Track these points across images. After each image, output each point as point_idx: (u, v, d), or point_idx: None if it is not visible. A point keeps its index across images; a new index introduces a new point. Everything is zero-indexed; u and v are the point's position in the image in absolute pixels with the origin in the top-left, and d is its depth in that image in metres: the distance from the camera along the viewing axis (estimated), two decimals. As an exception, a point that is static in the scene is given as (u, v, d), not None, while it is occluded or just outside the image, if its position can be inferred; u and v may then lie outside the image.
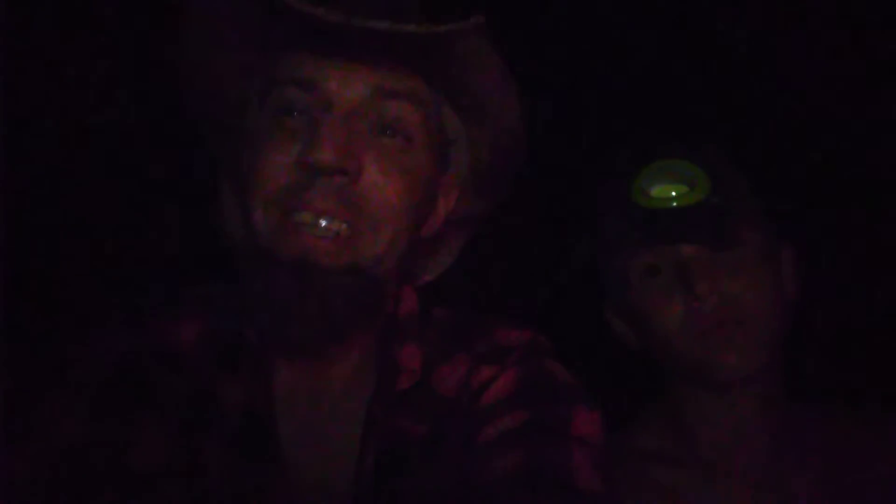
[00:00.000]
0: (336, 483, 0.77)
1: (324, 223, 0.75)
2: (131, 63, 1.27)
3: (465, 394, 0.82)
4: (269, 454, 0.77)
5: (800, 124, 1.41)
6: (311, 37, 0.76)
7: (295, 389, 0.81)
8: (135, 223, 1.28)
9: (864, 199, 1.39)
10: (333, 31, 0.74)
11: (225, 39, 0.81)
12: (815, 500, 1.02)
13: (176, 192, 1.27)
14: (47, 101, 1.24)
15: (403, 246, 0.81)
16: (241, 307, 0.83)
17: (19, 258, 1.01)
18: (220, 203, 0.93)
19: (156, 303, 0.88)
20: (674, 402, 1.10)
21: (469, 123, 0.86)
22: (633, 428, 1.12)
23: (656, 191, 1.04)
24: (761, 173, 1.11)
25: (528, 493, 0.71)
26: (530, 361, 0.83)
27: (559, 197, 1.22)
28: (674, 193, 1.03)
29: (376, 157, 0.78)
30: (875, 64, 1.37)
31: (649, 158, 1.06)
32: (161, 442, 0.77)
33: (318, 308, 0.74)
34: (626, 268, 1.06)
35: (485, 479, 0.74)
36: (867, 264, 1.37)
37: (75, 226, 1.24)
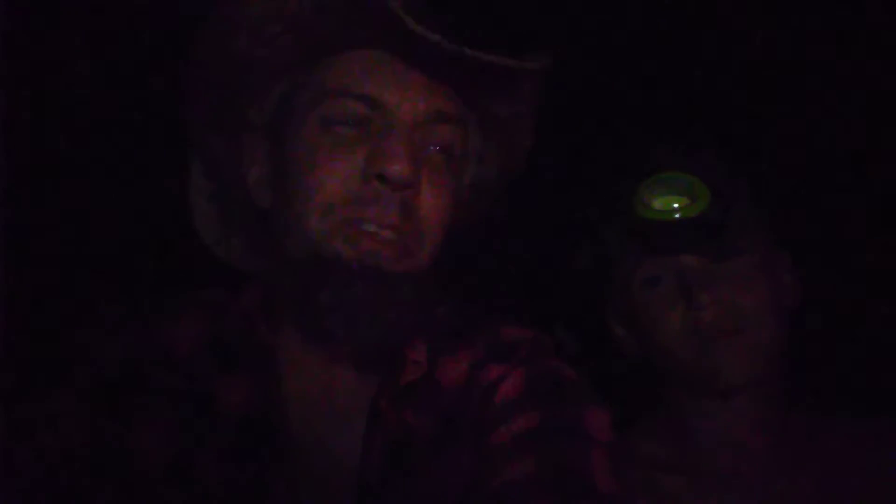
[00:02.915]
0: (341, 479, 0.78)
1: (385, 234, 0.76)
2: (134, 62, 1.27)
3: (473, 390, 0.82)
4: (275, 453, 0.78)
5: (799, 125, 1.41)
6: (382, 48, 0.78)
7: (303, 387, 0.81)
8: (136, 224, 1.27)
9: (864, 199, 1.39)
10: (414, 49, 0.76)
11: (273, 37, 0.81)
12: (816, 507, 1.02)
13: (178, 194, 1.26)
14: (48, 100, 1.24)
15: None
16: (251, 308, 0.84)
17: (19, 258, 1.01)
18: (191, 207, 0.93)
19: (156, 305, 0.89)
20: (673, 408, 1.11)
21: (489, 144, 0.88)
22: (633, 434, 1.13)
23: (658, 203, 1.05)
24: (761, 175, 1.11)
25: (549, 496, 0.71)
26: (537, 360, 0.83)
27: (561, 204, 1.22)
28: (676, 206, 1.05)
29: (428, 172, 0.79)
30: (875, 63, 1.37)
31: (651, 170, 1.07)
32: (161, 444, 0.78)
33: (386, 309, 0.75)
34: (627, 277, 1.08)
35: (502, 481, 0.74)
36: (867, 265, 1.37)
37: (75, 226, 1.24)
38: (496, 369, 0.82)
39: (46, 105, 1.22)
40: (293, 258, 0.79)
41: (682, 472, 1.07)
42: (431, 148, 0.80)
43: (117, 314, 0.87)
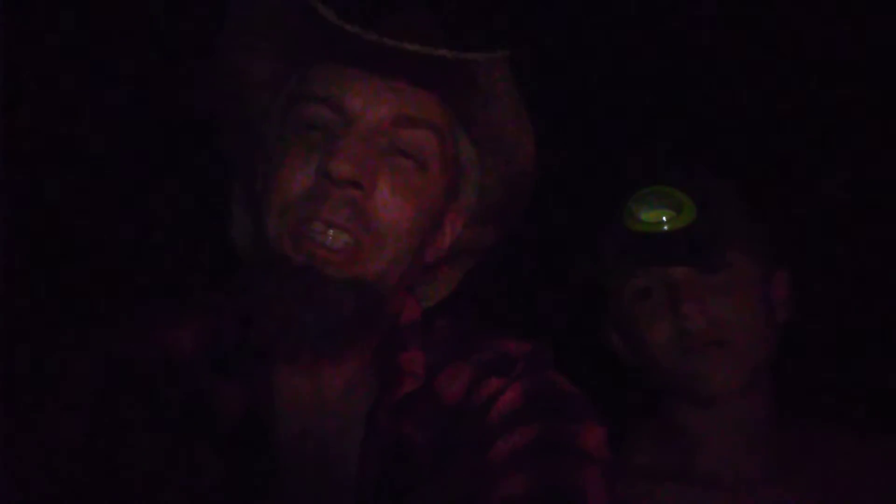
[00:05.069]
0: (336, 489, 0.78)
1: (332, 233, 0.76)
2: (135, 63, 1.27)
3: (472, 404, 0.82)
4: (268, 459, 0.78)
5: (799, 126, 1.41)
6: (340, 54, 0.78)
7: (295, 394, 0.82)
8: (136, 226, 1.28)
9: (865, 200, 1.39)
10: (364, 50, 0.76)
11: (260, 48, 0.83)
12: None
13: (178, 197, 1.27)
14: (49, 100, 1.24)
15: (406, 266, 0.82)
16: (244, 311, 0.83)
17: (19, 259, 1.02)
18: (229, 207, 0.93)
19: (154, 308, 0.89)
20: (667, 417, 1.12)
21: (483, 152, 0.88)
22: (628, 444, 1.14)
23: (646, 215, 1.07)
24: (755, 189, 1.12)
25: None
26: (536, 373, 0.83)
27: (560, 214, 1.23)
28: (663, 218, 1.07)
29: (390, 176, 0.79)
30: (874, 64, 1.37)
31: (642, 184, 1.09)
32: (157, 447, 0.78)
33: (317, 316, 0.75)
34: (620, 288, 1.10)
35: (498, 496, 0.74)
36: (866, 270, 1.37)
37: (76, 227, 1.24)
38: (495, 383, 0.82)
39: (47, 105, 1.23)
40: (258, 258, 0.81)
41: (676, 479, 1.08)
42: (399, 153, 0.80)
43: (117, 316, 0.87)
